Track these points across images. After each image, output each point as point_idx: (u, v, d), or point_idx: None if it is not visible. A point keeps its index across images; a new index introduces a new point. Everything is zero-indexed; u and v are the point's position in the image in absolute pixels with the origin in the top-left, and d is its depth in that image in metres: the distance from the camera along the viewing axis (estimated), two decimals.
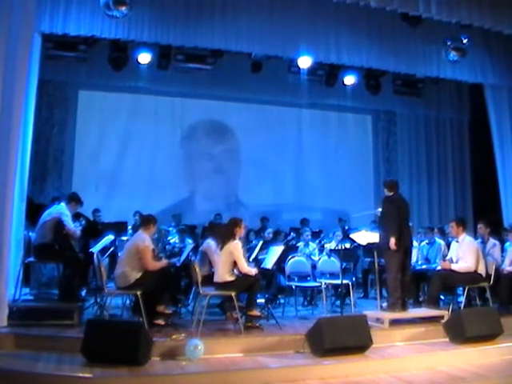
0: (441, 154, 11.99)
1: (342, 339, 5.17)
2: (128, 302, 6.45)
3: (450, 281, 6.64)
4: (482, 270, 6.66)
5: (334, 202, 11.49)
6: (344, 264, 7.30)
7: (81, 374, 4.40)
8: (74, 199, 6.56)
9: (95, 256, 5.90)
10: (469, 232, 7.13)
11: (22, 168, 6.35)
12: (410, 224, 7.30)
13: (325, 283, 7.13)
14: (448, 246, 7.39)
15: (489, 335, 5.72)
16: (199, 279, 5.86)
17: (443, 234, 8.11)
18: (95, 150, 10.20)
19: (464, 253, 6.67)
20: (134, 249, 5.83)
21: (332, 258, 7.45)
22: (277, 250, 6.79)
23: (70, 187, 9.07)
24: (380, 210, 6.59)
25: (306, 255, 7.64)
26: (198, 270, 5.92)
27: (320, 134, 11.73)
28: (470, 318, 5.70)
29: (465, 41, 8.15)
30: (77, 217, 6.72)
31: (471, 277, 6.59)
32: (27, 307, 5.94)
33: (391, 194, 6.58)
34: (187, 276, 6.85)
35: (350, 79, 10.59)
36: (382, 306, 6.53)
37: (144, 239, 5.88)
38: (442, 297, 7.13)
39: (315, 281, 7.32)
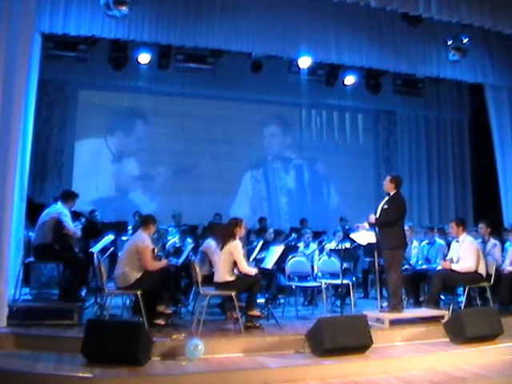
0: (441, 153, 11.99)
1: (342, 339, 5.16)
2: (128, 301, 6.45)
3: (450, 281, 6.63)
4: (482, 270, 6.65)
5: (334, 201, 11.53)
6: (344, 264, 7.29)
7: (81, 374, 4.40)
8: (69, 196, 6.56)
9: (95, 256, 5.90)
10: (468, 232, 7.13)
11: (22, 168, 6.35)
12: (410, 224, 7.46)
13: (325, 283, 7.12)
14: (448, 245, 7.38)
15: (489, 335, 5.70)
16: (199, 279, 5.86)
17: (443, 233, 8.10)
18: (95, 150, 10.21)
19: (464, 253, 6.65)
20: (133, 249, 5.82)
21: (332, 258, 7.44)
22: (277, 250, 6.79)
23: (70, 187, 9.02)
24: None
25: (306, 256, 7.62)
26: (197, 269, 5.92)
27: (320, 134, 11.75)
28: (470, 318, 5.69)
29: (465, 41, 8.16)
30: (77, 216, 6.71)
31: (471, 277, 6.58)
32: (27, 307, 5.94)
33: (397, 190, 6.47)
34: (187, 276, 6.84)
35: (350, 79, 10.59)
36: (382, 306, 6.52)
37: (144, 239, 5.87)
38: (443, 297, 7.12)
39: (315, 281, 7.32)
